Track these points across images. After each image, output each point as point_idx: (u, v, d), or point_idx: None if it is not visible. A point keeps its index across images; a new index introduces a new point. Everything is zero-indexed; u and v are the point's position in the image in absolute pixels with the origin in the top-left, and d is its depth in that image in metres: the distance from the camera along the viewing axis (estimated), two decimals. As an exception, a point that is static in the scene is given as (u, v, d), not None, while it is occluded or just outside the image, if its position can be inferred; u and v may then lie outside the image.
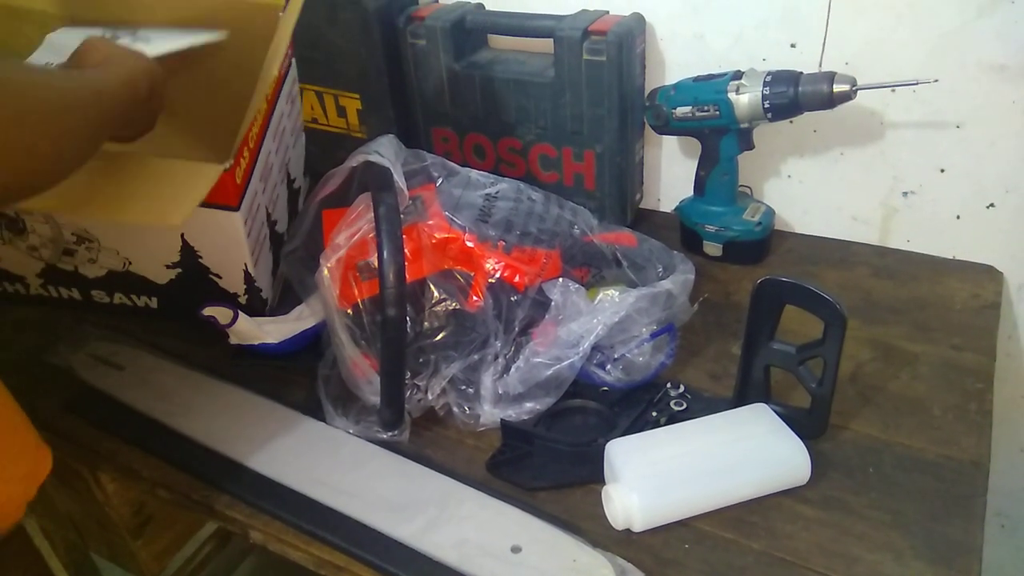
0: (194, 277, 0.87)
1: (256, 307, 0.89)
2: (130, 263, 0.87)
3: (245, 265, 0.85)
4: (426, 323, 0.73)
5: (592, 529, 0.64)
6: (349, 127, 1.11)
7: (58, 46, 0.70)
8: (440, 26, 0.96)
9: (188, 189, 0.71)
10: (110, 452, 0.77)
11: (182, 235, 0.83)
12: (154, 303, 0.91)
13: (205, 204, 0.74)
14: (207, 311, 0.80)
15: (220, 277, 0.86)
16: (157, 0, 0.77)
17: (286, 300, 0.92)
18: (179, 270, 0.86)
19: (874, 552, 0.61)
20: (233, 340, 0.82)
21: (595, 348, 0.72)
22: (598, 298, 0.74)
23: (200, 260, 0.85)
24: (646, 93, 0.94)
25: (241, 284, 0.87)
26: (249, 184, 0.82)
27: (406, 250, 0.69)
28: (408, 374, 0.71)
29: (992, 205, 0.88)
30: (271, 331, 0.82)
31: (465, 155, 1.04)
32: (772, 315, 0.69)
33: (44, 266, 0.90)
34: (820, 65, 0.88)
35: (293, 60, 1.00)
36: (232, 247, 0.83)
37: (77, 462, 0.83)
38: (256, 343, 0.81)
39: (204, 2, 0.77)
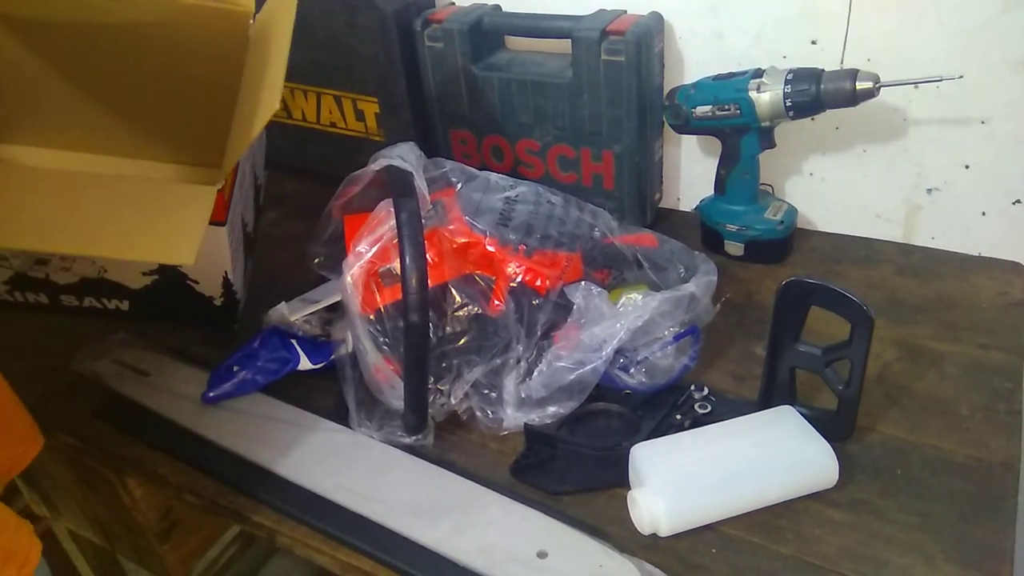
0: (171, 284, 0.87)
1: (230, 308, 0.90)
2: (106, 271, 0.87)
3: (225, 272, 0.86)
4: (448, 328, 0.73)
5: (618, 534, 0.64)
6: (368, 131, 1.11)
7: None
8: (457, 28, 0.96)
9: (190, 217, 0.71)
10: (137, 458, 0.78)
11: None
12: (125, 306, 0.91)
13: None
14: None
15: (197, 283, 0.87)
16: (127, 5, 0.77)
17: (254, 298, 0.94)
18: (156, 277, 0.87)
19: (904, 556, 0.60)
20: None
21: (618, 351, 0.72)
22: (621, 301, 0.73)
23: (179, 268, 0.86)
24: (665, 92, 0.94)
25: (219, 288, 0.87)
26: (233, 198, 0.84)
27: (428, 255, 0.69)
28: (431, 379, 0.72)
29: (1018, 201, 0.87)
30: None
31: (483, 157, 1.04)
32: (797, 317, 0.68)
33: (13, 274, 0.90)
34: (842, 62, 0.87)
35: None
36: (215, 258, 0.84)
37: (105, 467, 0.84)
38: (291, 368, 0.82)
39: (173, 6, 0.77)
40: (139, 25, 0.76)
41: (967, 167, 0.87)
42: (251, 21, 0.78)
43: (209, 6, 0.79)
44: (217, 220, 0.80)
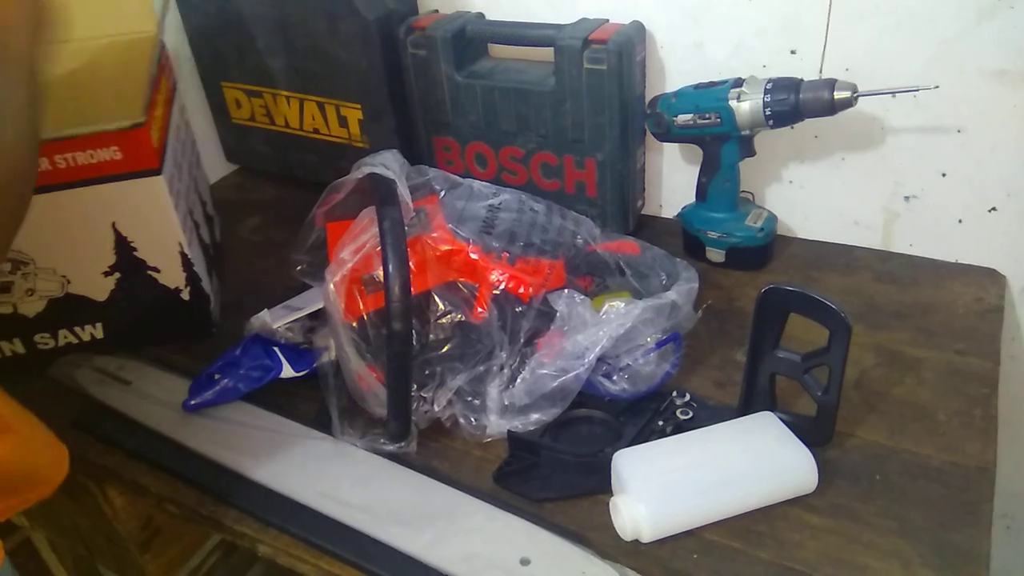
0: (133, 278, 0.85)
1: (200, 305, 0.89)
2: (69, 282, 0.85)
3: (180, 244, 0.84)
4: (431, 335, 0.74)
5: (600, 540, 0.64)
6: (351, 137, 1.11)
7: None
8: (440, 36, 0.96)
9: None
10: (118, 467, 0.77)
11: (114, 225, 0.82)
12: (99, 331, 0.89)
13: (128, 174, 0.78)
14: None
15: (158, 271, 0.86)
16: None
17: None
18: (117, 275, 0.85)
19: (882, 560, 0.61)
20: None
21: (600, 358, 0.72)
22: (603, 309, 0.74)
23: (136, 254, 0.84)
24: (647, 101, 0.95)
25: (180, 273, 0.86)
26: (166, 154, 0.83)
27: (411, 263, 0.69)
28: (414, 386, 0.72)
29: (994, 209, 0.88)
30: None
31: (467, 164, 1.05)
32: (777, 324, 0.69)
33: None
34: (820, 72, 0.88)
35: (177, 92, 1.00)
36: (162, 221, 0.83)
37: (85, 477, 0.83)
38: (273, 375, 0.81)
39: (87, 48, 0.80)
40: (60, 77, 0.78)
41: (944, 175, 0.89)
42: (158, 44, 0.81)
43: (120, 41, 0.82)
44: (150, 167, 0.80)
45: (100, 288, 0.86)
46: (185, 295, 0.88)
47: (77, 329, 0.88)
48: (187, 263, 0.86)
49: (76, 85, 0.78)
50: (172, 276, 0.86)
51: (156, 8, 0.87)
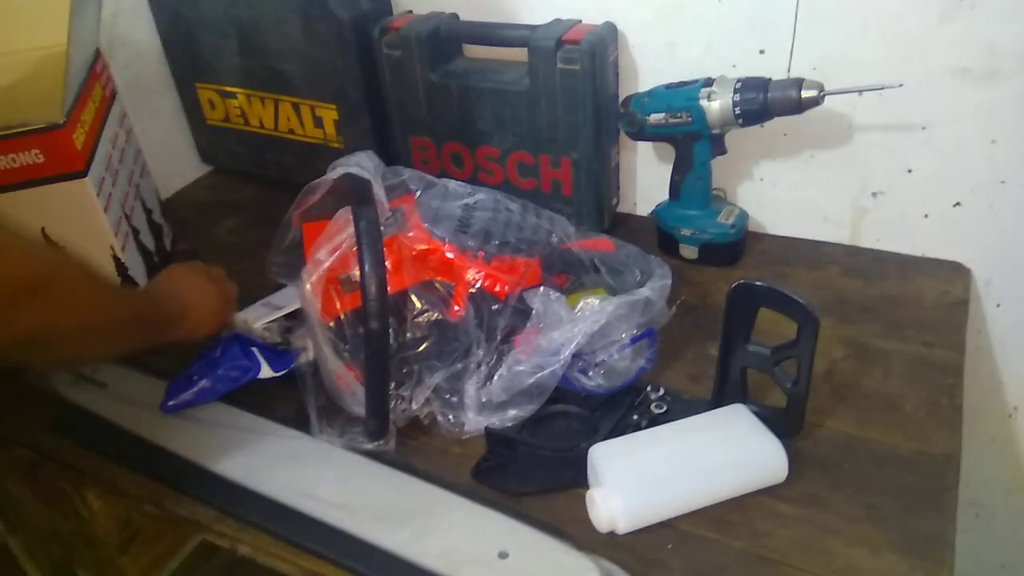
0: None
1: None
2: None
3: (112, 248, 0.84)
4: (409, 334, 0.74)
5: (577, 532, 0.65)
6: (326, 138, 1.12)
7: None
8: (415, 36, 0.97)
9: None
10: (95, 470, 0.77)
11: (43, 230, 0.81)
12: None
13: (52, 178, 0.79)
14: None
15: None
16: None
17: None
18: None
19: (851, 547, 0.62)
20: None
21: (576, 355, 0.73)
22: (578, 306, 0.75)
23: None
24: (620, 100, 0.96)
25: (113, 269, 0.86)
26: (95, 155, 0.83)
27: (387, 262, 0.69)
28: (392, 385, 0.72)
29: (959, 203, 0.90)
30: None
31: (443, 164, 1.05)
32: (747, 318, 0.70)
33: None
34: (789, 71, 0.90)
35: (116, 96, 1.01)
36: (91, 224, 0.83)
37: (62, 480, 0.83)
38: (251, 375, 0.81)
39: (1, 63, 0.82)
40: None
41: (910, 171, 0.91)
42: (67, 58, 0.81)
43: (30, 52, 0.83)
44: (75, 170, 0.80)
45: None
46: None
47: None
48: (122, 268, 0.86)
49: None
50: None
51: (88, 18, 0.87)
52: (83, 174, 0.81)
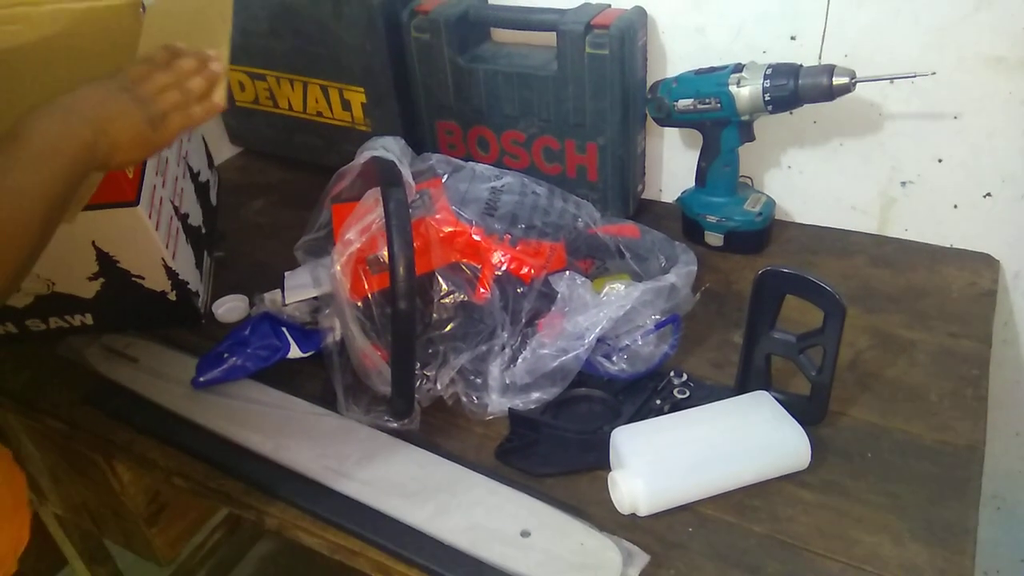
0: (118, 284, 0.86)
1: (188, 303, 0.90)
2: (54, 284, 0.86)
3: (163, 259, 0.85)
4: (435, 315, 0.75)
5: (599, 514, 0.66)
6: (354, 120, 1.12)
7: None
8: (444, 20, 0.97)
9: None
10: (126, 442, 0.79)
11: (94, 243, 0.83)
12: (89, 319, 0.90)
13: (104, 204, 0.77)
14: None
15: (143, 278, 0.86)
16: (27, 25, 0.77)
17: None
18: (102, 279, 0.86)
19: (872, 534, 0.62)
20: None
21: (600, 339, 0.74)
22: (604, 291, 0.75)
23: (119, 265, 0.85)
24: (648, 86, 0.96)
25: (165, 280, 0.87)
26: (144, 178, 0.83)
27: (415, 244, 0.70)
28: (418, 365, 0.73)
29: (989, 194, 0.89)
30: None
31: (469, 148, 1.06)
32: (773, 305, 0.70)
33: None
34: (820, 58, 0.89)
35: None
36: (143, 243, 0.83)
37: (93, 452, 0.85)
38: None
39: (67, 16, 0.77)
40: (38, 42, 0.77)
41: (940, 161, 0.90)
42: (141, 10, 0.78)
43: (98, 6, 0.79)
44: (128, 200, 0.80)
45: (86, 289, 0.87)
46: (172, 297, 0.88)
47: (67, 317, 0.89)
48: (172, 273, 0.87)
49: (50, 63, 0.75)
50: (157, 282, 0.87)
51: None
52: (135, 203, 0.80)
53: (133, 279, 0.86)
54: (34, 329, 0.90)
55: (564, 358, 0.73)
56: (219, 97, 0.67)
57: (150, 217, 0.82)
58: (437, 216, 0.77)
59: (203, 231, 1.00)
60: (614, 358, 0.76)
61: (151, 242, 0.83)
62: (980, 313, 0.84)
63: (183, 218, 0.93)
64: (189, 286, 0.89)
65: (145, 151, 0.62)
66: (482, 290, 0.75)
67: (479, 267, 0.76)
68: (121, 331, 0.90)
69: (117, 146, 0.58)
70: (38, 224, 0.52)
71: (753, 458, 0.67)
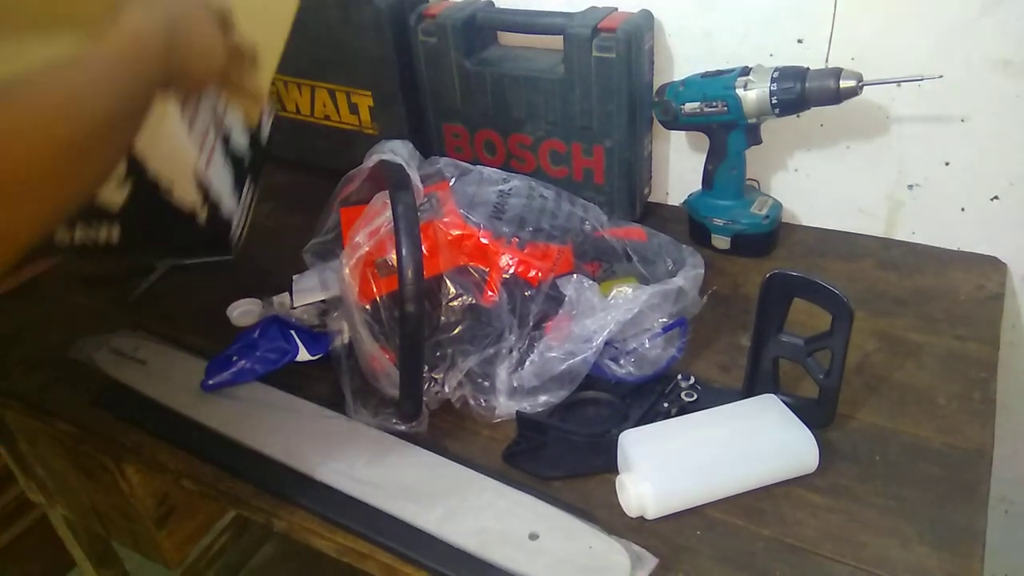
0: (147, 196, 0.80)
1: (219, 227, 0.84)
2: None
3: (193, 167, 0.78)
4: (443, 318, 0.75)
5: (607, 517, 0.66)
6: (361, 124, 1.13)
7: None
8: (451, 24, 0.97)
9: None
10: (136, 445, 0.79)
11: None
12: (115, 235, 0.83)
13: None
14: None
15: (172, 193, 0.80)
16: None
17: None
18: (130, 187, 0.79)
19: (880, 538, 0.62)
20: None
21: (608, 342, 0.74)
22: (611, 294, 0.75)
23: (148, 175, 0.79)
24: (655, 89, 0.96)
25: (195, 193, 0.80)
26: None
27: (423, 247, 0.70)
28: (426, 368, 0.73)
29: (996, 197, 0.89)
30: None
31: (476, 151, 1.06)
32: (781, 308, 0.70)
33: None
34: (827, 61, 0.89)
35: None
36: (172, 140, 0.76)
37: (103, 455, 0.86)
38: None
39: None
40: None
41: (947, 164, 0.90)
42: None
43: None
44: None
45: (113, 197, 0.81)
46: (202, 216, 0.83)
47: (94, 228, 0.83)
48: (202, 187, 0.80)
49: None
50: (186, 193, 0.81)
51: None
52: None
53: (161, 193, 0.81)
54: (59, 242, 0.83)
55: (572, 361, 0.73)
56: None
57: (183, 113, 0.76)
58: (445, 219, 0.77)
59: (245, 163, 0.91)
60: (621, 361, 0.76)
61: (180, 140, 0.76)
62: (988, 316, 0.84)
63: (223, 135, 0.86)
64: (221, 209, 0.83)
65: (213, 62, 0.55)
66: (490, 293, 0.76)
67: (487, 270, 0.76)
68: (147, 254, 0.86)
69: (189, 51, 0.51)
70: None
71: (761, 461, 0.67)
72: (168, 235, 0.86)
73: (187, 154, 0.79)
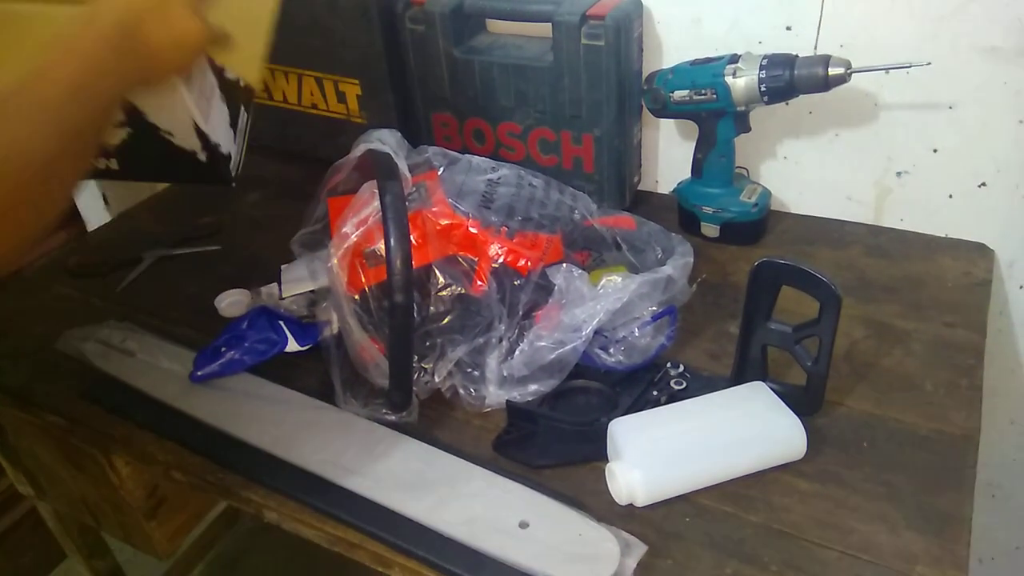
0: (145, 137, 0.78)
1: (218, 164, 0.81)
2: None
3: (194, 122, 0.77)
4: (432, 308, 0.75)
5: (596, 505, 0.66)
6: (349, 113, 1.12)
7: None
8: (439, 12, 0.97)
9: None
10: (125, 437, 0.79)
11: None
12: (115, 164, 0.81)
13: None
14: None
15: (172, 135, 0.78)
16: None
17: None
18: (128, 129, 0.78)
19: (868, 523, 0.63)
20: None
21: (597, 331, 0.74)
22: (601, 283, 0.75)
23: (147, 119, 0.77)
24: (644, 77, 0.95)
25: (195, 141, 0.78)
26: None
27: (411, 237, 0.70)
28: (415, 357, 0.73)
29: (984, 184, 0.90)
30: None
31: (465, 140, 1.05)
32: (769, 296, 0.71)
33: None
34: (815, 48, 0.89)
35: None
36: (172, 100, 0.74)
37: (92, 446, 0.85)
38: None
39: None
40: None
41: (935, 151, 0.90)
42: None
43: None
44: None
45: (112, 134, 0.78)
46: (202, 156, 0.80)
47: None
48: (203, 135, 0.78)
49: None
50: (187, 142, 0.79)
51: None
52: None
53: (161, 134, 0.79)
54: None
55: (561, 350, 0.73)
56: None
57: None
58: (434, 209, 0.77)
59: (240, 83, 0.87)
60: (611, 350, 0.76)
61: (181, 102, 0.74)
62: (975, 303, 0.84)
63: (219, 71, 0.82)
64: (221, 148, 0.81)
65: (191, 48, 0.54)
66: (479, 283, 0.75)
67: (476, 260, 0.76)
68: (146, 180, 0.85)
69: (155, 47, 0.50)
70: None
71: (750, 448, 0.67)
72: (167, 168, 0.84)
73: (186, 111, 0.76)
